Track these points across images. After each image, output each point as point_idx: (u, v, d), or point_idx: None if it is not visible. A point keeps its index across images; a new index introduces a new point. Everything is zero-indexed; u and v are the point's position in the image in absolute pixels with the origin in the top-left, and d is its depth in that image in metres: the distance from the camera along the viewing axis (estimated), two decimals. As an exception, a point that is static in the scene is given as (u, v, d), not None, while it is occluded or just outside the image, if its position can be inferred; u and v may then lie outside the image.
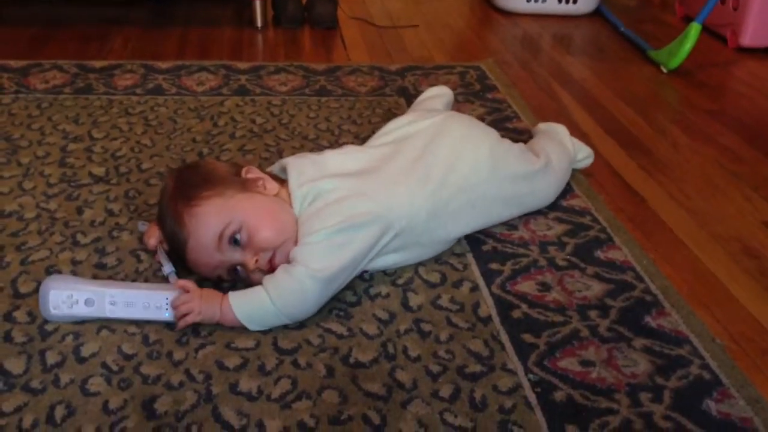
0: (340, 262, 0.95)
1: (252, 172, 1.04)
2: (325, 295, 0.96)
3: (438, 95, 1.41)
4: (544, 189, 1.21)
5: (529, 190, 1.18)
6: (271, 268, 0.97)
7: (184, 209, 0.97)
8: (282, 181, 1.06)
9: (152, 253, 1.08)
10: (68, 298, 0.93)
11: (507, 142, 1.19)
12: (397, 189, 1.03)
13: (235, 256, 0.97)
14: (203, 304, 0.92)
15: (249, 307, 0.93)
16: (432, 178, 1.06)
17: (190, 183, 1.00)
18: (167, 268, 1.01)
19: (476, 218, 1.12)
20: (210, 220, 0.96)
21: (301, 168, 1.05)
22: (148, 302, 0.94)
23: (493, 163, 1.12)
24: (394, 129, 1.17)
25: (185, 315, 0.92)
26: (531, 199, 1.20)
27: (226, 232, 0.95)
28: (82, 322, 0.95)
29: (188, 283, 0.94)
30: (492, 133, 1.19)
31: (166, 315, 0.94)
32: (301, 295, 0.93)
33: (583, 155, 1.35)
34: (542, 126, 1.38)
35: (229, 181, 1.01)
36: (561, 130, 1.33)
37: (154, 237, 1.06)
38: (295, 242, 0.98)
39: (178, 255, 1.00)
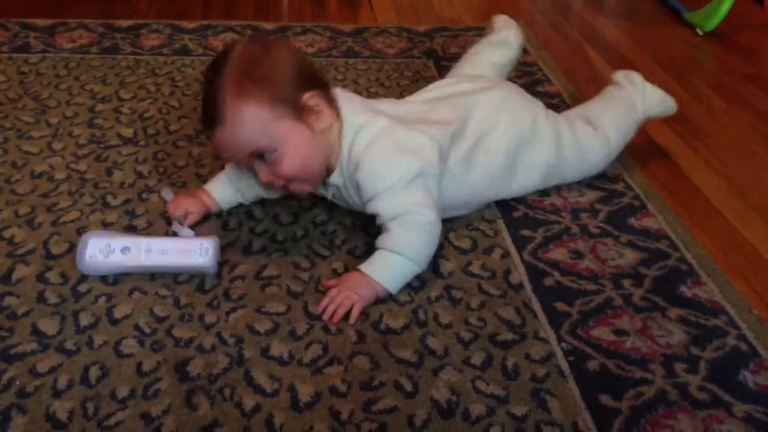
0: (431, 198, 0.97)
1: (313, 100, 0.96)
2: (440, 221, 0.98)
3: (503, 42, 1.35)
4: (593, 162, 1.17)
5: (576, 161, 1.15)
6: (282, 187, 0.97)
7: (232, 96, 0.91)
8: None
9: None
10: (106, 246, 0.95)
11: (553, 116, 1.14)
12: (437, 133, 1.01)
13: (254, 164, 0.96)
14: (357, 291, 0.92)
15: (397, 275, 0.95)
16: (467, 138, 1.04)
17: (252, 70, 0.93)
18: (185, 232, 1.03)
19: (512, 185, 1.11)
20: (247, 129, 0.92)
21: (352, 101, 1.01)
22: (183, 248, 0.96)
23: (532, 132, 1.09)
24: (434, 88, 1.15)
25: (349, 309, 0.92)
26: (576, 171, 1.17)
27: (258, 146, 0.93)
28: (114, 282, 0.95)
29: (330, 281, 0.96)
30: (537, 104, 1.15)
31: (200, 260, 0.95)
32: (429, 238, 0.96)
33: (656, 100, 1.25)
34: (619, 77, 1.28)
35: (286, 97, 0.94)
36: (637, 80, 1.25)
37: (179, 209, 1.07)
38: (326, 172, 0.99)
39: (205, 117, 0.96)
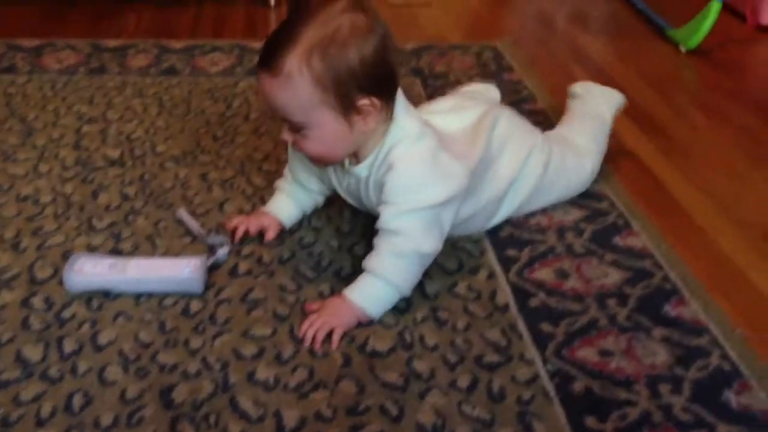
0: (441, 230, 0.97)
1: (367, 106, 0.91)
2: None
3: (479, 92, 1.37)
4: (581, 182, 1.21)
5: (565, 184, 1.18)
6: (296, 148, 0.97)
7: (297, 58, 0.87)
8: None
9: (169, 237, 1.09)
10: (94, 261, 0.98)
11: (548, 143, 1.15)
12: (473, 163, 1.02)
13: (282, 121, 0.94)
14: (337, 316, 0.92)
15: (379, 301, 0.94)
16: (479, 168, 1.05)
17: (329, 47, 0.87)
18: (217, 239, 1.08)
19: (501, 210, 1.12)
20: (290, 96, 0.89)
21: (410, 108, 0.98)
22: (171, 263, 0.99)
23: (530, 159, 1.11)
24: (441, 112, 1.12)
25: (329, 334, 0.91)
26: (558, 196, 1.19)
27: (291, 118, 0.91)
28: (99, 308, 0.95)
29: (313, 305, 0.96)
30: (535, 131, 1.16)
31: (186, 271, 0.97)
32: (420, 268, 0.97)
33: (616, 101, 1.31)
34: (578, 89, 1.32)
35: (344, 92, 0.89)
36: (595, 88, 1.31)
37: (254, 225, 1.09)
38: (355, 160, 0.98)
39: (264, 52, 0.91)
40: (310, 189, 1.11)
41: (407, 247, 0.94)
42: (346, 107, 0.91)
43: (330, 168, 1.03)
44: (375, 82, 0.91)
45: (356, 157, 0.98)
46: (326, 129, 0.92)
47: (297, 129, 0.93)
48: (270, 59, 0.89)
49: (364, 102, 0.91)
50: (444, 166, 0.96)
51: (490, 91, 1.36)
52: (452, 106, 1.15)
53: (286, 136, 0.95)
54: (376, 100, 0.91)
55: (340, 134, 0.93)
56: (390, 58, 0.93)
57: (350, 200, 1.07)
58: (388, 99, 0.94)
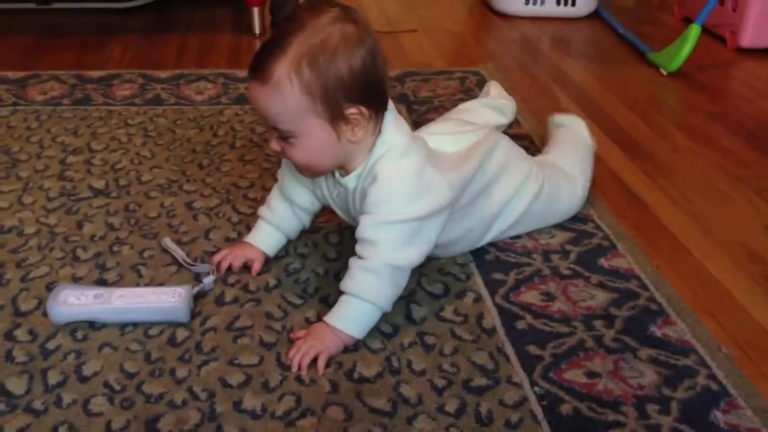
0: (424, 244, 0.97)
1: (356, 116, 0.91)
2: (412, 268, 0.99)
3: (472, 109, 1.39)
4: (573, 208, 1.23)
5: (557, 211, 1.20)
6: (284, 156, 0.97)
7: (286, 67, 0.88)
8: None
9: (154, 266, 1.08)
10: (79, 293, 0.97)
11: (541, 172, 1.16)
12: (461, 178, 1.02)
13: (270, 130, 0.94)
14: (322, 341, 0.92)
15: (359, 321, 0.94)
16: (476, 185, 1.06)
17: (318, 56, 0.88)
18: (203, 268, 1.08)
19: (487, 236, 1.14)
20: (279, 105, 0.90)
21: (399, 121, 0.98)
22: (156, 292, 0.98)
23: (524, 186, 1.12)
24: (437, 133, 1.13)
25: (315, 358, 0.91)
26: (559, 217, 1.21)
27: (279, 126, 0.92)
28: (84, 338, 0.94)
29: (299, 333, 0.96)
30: (531, 160, 1.18)
31: (172, 300, 0.96)
32: (393, 282, 0.96)
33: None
34: (563, 119, 1.38)
35: (332, 100, 0.90)
36: (579, 128, 1.36)
37: (238, 259, 1.09)
38: (343, 171, 0.98)
39: (254, 62, 0.91)
40: (298, 204, 1.10)
41: (377, 261, 0.93)
42: (335, 116, 0.91)
43: (321, 178, 1.04)
44: (363, 92, 0.92)
45: (345, 169, 0.99)
46: (314, 137, 0.92)
47: (285, 137, 0.93)
48: (260, 67, 0.90)
49: (352, 111, 0.91)
50: (428, 181, 0.96)
51: (499, 109, 1.41)
52: (450, 130, 1.16)
53: (274, 144, 0.95)
54: (364, 110, 0.92)
55: (328, 143, 0.93)
56: (379, 69, 0.93)
57: (339, 212, 1.07)
58: (377, 110, 0.94)
